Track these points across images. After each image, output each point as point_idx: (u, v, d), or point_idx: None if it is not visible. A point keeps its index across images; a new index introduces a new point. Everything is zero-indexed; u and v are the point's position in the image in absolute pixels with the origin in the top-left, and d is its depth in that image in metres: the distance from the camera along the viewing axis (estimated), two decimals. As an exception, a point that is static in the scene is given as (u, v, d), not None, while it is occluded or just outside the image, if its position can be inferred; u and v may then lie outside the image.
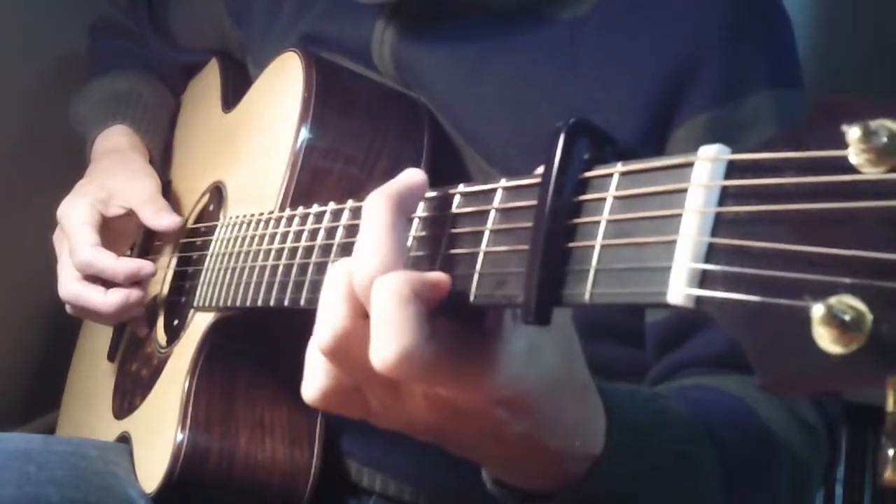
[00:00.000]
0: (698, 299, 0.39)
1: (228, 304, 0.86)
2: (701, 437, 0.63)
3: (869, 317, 0.33)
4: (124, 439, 1.03)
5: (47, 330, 1.53)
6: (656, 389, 0.79)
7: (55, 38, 1.47)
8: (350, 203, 0.66)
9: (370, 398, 0.53)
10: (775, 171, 0.37)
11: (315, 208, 0.72)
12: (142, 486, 0.94)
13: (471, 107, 0.91)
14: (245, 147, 1.02)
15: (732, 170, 0.39)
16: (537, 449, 0.52)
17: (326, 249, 0.68)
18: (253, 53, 1.14)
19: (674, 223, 0.40)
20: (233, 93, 1.18)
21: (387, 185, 0.51)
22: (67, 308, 1.08)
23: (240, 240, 0.87)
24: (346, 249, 0.66)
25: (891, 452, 0.33)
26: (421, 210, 0.55)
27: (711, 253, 0.39)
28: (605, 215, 0.44)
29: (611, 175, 0.44)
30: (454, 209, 0.53)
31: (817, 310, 0.34)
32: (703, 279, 0.39)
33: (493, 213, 0.50)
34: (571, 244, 0.45)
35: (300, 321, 0.75)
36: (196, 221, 1.09)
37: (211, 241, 0.97)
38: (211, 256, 0.94)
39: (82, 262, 1.01)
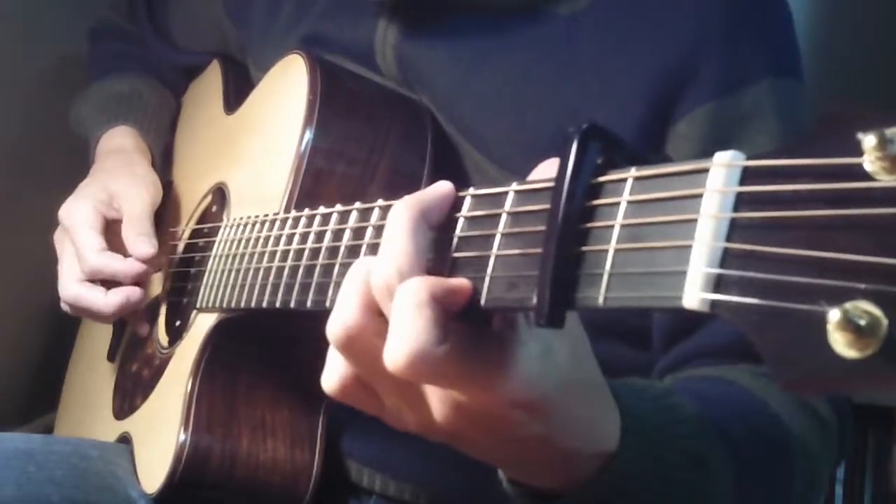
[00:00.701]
0: (713, 303, 0.39)
1: (233, 305, 0.86)
2: (712, 435, 0.63)
3: (884, 322, 0.33)
4: (125, 440, 1.03)
5: (47, 330, 1.52)
6: (665, 383, 0.79)
7: (55, 39, 1.47)
8: (357, 205, 0.67)
9: (384, 397, 0.54)
10: (790, 177, 0.38)
11: (322, 210, 0.72)
12: (143, 486, 0.94)
13: (469, 104, 0.91)
14: (248, 148, 1.02)
15: (747, 176, 0.40)
16: (552, 449, 0.52)
17: (333, 251, 0.68)
18: (253, 55, 1.14)
19: (689, 228, 0.41)
20: (234, 94, 1.18)
21: (416, 193, 0.53)
22: (65, 307, 1.07)
23: (245, 241, 0.87)
24: (354, 252, 0.66)
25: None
26: None
27: (726, 258, 0.39)
28: (619, 219, 0.44)
29: (624, 180, 0.45)
30: (464, 212, 0.53)
31: (833, 315, 0.34)
32: (719, 284, 0.39)
33: (504, 217, 0.51)
34: (584, 248, 0.45)
35: (303, 323, 0.75)
36: (199, 222, 1.09)
37: (214, 242, 0.97)
38: (214, 257, 0.94)
39: (91, 269, 1.02)
